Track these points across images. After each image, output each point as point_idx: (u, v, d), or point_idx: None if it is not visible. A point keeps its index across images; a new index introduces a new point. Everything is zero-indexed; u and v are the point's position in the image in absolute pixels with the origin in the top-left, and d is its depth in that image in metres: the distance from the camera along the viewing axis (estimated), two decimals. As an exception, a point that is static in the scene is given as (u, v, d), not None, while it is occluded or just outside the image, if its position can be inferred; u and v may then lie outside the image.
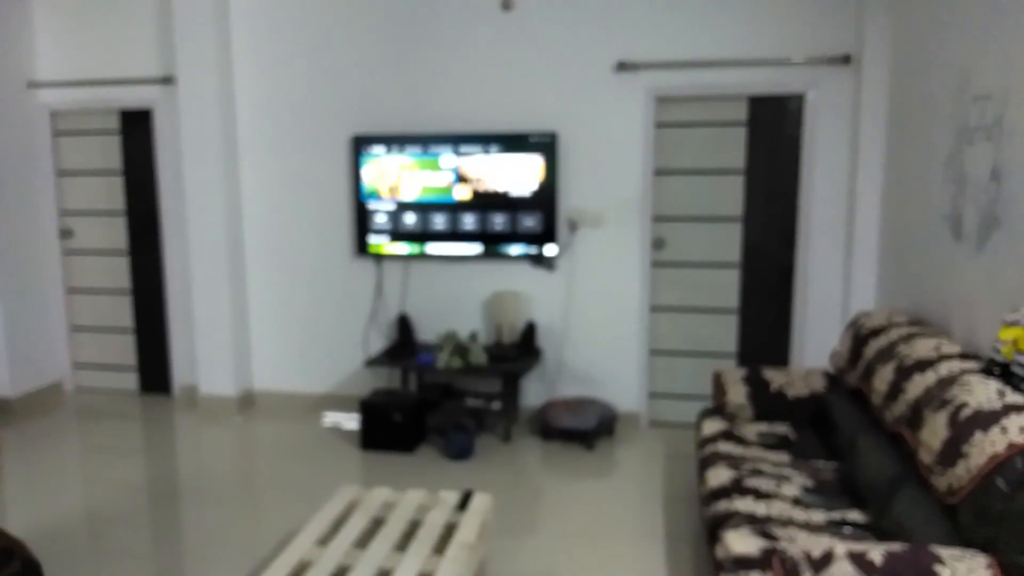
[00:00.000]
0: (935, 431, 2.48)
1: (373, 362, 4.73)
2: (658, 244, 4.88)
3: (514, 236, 4.86)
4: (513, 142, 4.78)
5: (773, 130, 4.70)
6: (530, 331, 4.87)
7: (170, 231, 5.45)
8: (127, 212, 5.60)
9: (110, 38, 5.34)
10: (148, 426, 5.23)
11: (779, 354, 4.84)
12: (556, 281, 4.96)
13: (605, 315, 4.93)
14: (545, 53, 4.80)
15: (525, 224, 4.84)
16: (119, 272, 5.68)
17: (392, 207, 5.00)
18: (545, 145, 4.75)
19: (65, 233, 5.70)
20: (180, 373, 5.58)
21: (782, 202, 4.73)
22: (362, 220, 5.05)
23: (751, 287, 4.83)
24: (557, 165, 4.78)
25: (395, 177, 4.97)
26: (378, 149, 4.96)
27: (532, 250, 4.86)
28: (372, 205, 5.02)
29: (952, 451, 2.34)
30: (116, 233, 5.64)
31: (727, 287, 4.86)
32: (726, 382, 3.88)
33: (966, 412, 2.37)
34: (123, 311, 5.73)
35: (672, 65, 4.65)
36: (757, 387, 3.83)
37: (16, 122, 5.36)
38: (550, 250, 4.84)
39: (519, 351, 4.82)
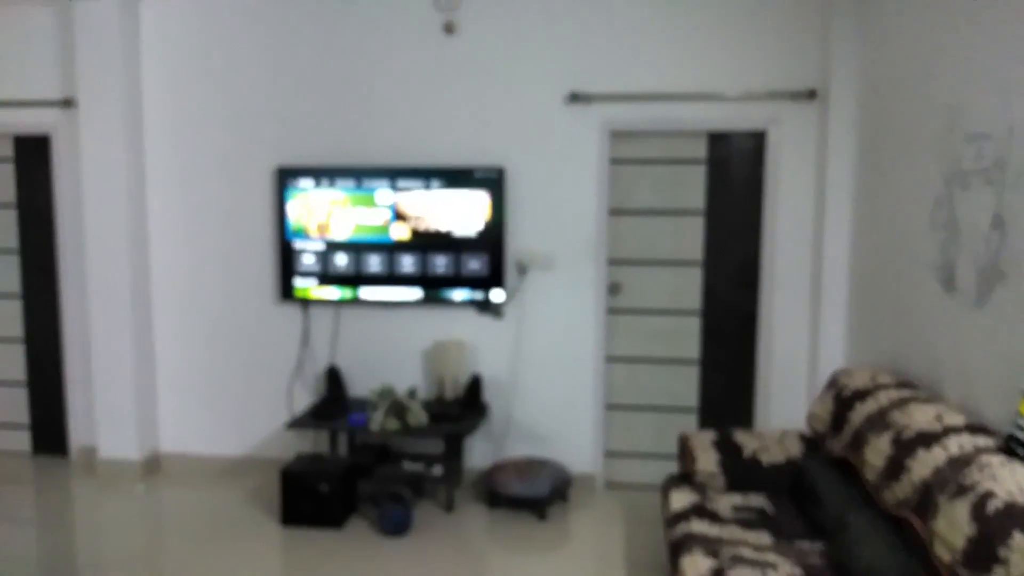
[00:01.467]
0: (955, 524, 2.11)
1: (296, 424, 4.20)
2: (613, 289, 4.50)
3: (457, 280, 4.42)
4: (457, 177, 4.36)
5: (734, 168, 4.40)
6: (475, 385, 4.42)
7: (68, 272, 4.83)
8: (20, 250, 4.96)
9: (4, 55, 4.74)
10: (39, 494, 4.60)
11: (743, 409, 4.49)
12: (504, 329, 4.52)
13: (557, 366, 4.51)
14: (492, 81, 4.41)
15: (470, 267, 4.41)
16: (10, 318, 5.01)
17: (321, 247, 4.50)
18: (491, 181, 4.34)
19: (-53, 273, 5.03)
20: (78, 433, 4.93)
21: (744, 245, 4.41)
22: (287, 261, 4.54)
23: (712, 336, 4.49)
24: (505, 203, 4.37)
25: (325, 214, 4.49)
26: (306, 182, 4.48)
27: (477, 295, 4.42)
28: (299, 244, 4.52)
29: (983, 553, 1.97)
30: (8, 274, 4.99)
31: (687, 336, 4.50)
32: (694, 447, 3.48)
33: (995, 504, 2.01)
34: (15, 362, 5.05)
35: (628, 97, 4.31)
36: (729, 453, 3.45)
37: None
38: (497, 295, 4.42)
39: (463, 407, 4.35)
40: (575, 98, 4.32)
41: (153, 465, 4.77)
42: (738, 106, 4.26)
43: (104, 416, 4.67)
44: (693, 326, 4.48)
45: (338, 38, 4.49)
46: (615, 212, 4.45)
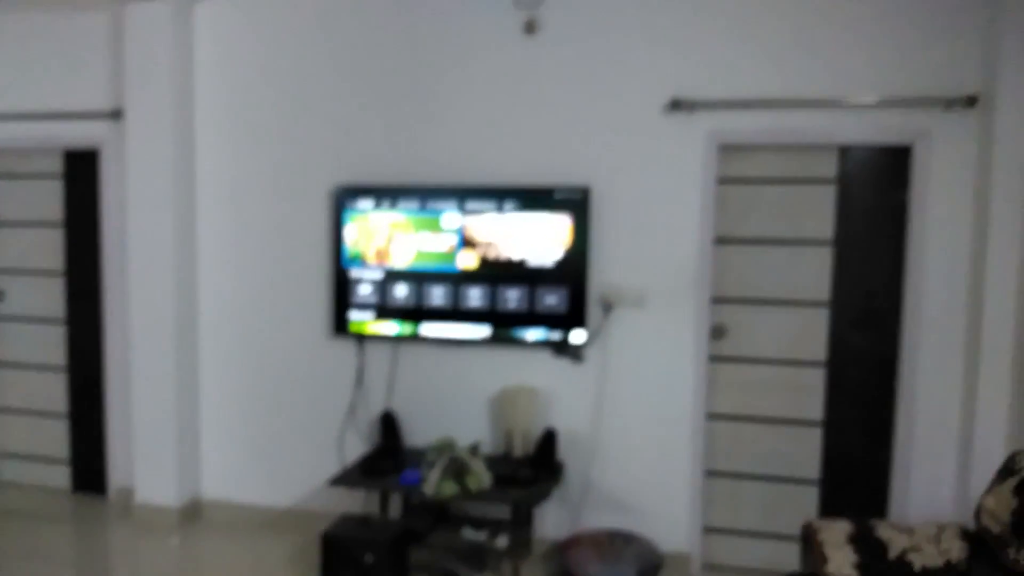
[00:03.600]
0: None
1: (342, 480, 3.64)
2: (718, 333, 3.79)
3: (532, 317, 3.80)
4: (534, 198, 3.76)
5: (871, 190, 3.64)
6: (549, 440, 3.77)
7: (113, 297, 4.45)
8: (66, 272, 4.63)
9: (56, 65, 4.44)
10: (71, 536, 4.27)
11: (876, 484, 3.68)
12: (584, 376, 3.86)
13: (647, 422, 3.81)
14: (577, 87, 3.80)
15: (546, 302, 3.79)
16: (54, 345, 4.68)
17: (379, 276, 3.97)
18: (574, 202, 3.72)
19: (-5, 295, 4.75)
20: (117, 472, 4.51)
21: (882, 284, 3.64)
22: (342, 291, 4.02)
23: (840, 393, 3.71)
24: (589, 228, 3.74)
25: (384, 238, 3.96)
26: (365, 203, 3.96)
27: (554, 335, 3.79)
28: (355, 272, 4.00)
29: None
30: (53, 297, 4.66)
31: (808, 392, 3.73)
32: (824, 543, 2.73)
33: None
34: (56, 392, 4.70)
35: (741, 104, 3.62)
36: (869, 552, 2.70)
37: (-60, 161, 4.48)
38: (577, 336, 3.77)
39: (534, 467, 3.71)
40: (677, 105, 3.67)
41: (193, 512, 4.30)
42: (877, 115, 3.51)
43: (143, 457, 4.26)
44: (816, 379, 3.72)
45: (404, 41, 3.98)
46: (722, 241, 3.76)
